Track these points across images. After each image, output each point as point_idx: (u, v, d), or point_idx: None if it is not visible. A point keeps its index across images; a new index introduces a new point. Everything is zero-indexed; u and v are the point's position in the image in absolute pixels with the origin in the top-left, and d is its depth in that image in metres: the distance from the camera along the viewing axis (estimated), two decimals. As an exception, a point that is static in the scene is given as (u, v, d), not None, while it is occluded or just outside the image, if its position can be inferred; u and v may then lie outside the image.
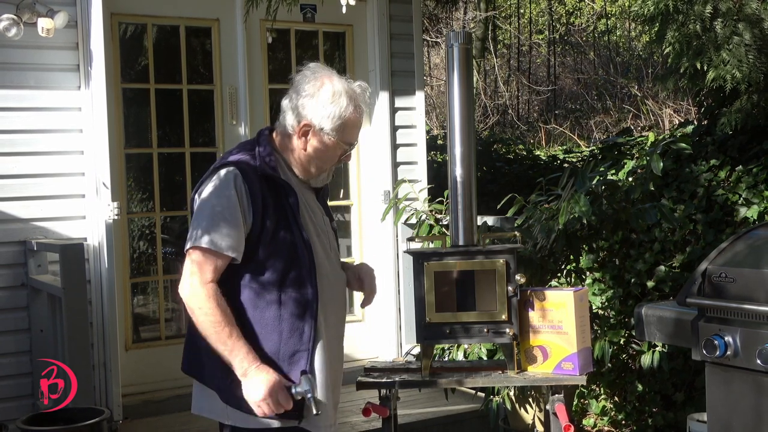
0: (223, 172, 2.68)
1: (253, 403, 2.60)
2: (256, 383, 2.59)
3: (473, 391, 5.10)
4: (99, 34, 4.86)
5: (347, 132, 2.75)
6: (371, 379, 3.22)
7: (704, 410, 3.11)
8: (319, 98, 2.72)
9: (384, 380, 3.19)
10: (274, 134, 2.83)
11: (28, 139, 4.85)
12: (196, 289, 2.59)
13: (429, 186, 5.86)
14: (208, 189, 2.68)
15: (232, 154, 2.77)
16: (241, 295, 2.67)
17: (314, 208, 2.84)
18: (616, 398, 5.19)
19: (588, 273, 5.19)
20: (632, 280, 5.02)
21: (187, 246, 2.64)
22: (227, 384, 2.67)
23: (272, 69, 5.75)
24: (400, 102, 5.94)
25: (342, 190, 5.99)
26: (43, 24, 4.61)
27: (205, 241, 2.59)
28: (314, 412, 2.63)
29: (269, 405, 2.59)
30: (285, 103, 2.80)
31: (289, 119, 2.76)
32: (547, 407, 3.16)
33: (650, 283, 4.94)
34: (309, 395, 2.63)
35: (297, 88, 2.77)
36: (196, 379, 2.82)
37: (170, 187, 5.56)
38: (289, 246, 2.68)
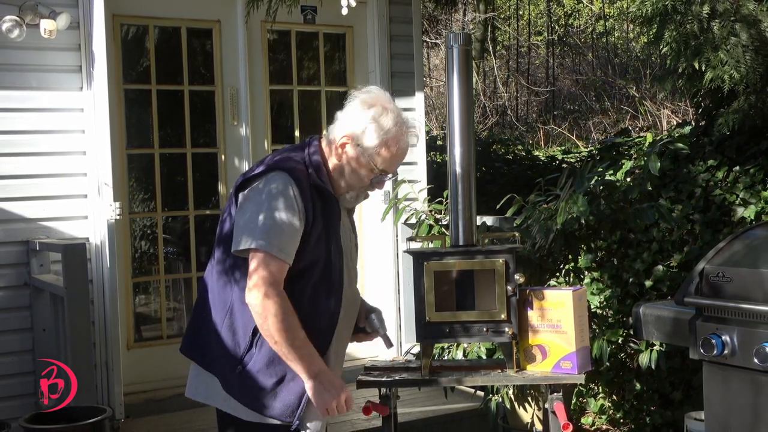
0: (278, 176, 2.67)
1: (322, 405, 2.66)
2: (327, 387, 2.64)
3: (472, 390, 5.12)
4: (101, 35, 4.88)
5: (383, 156, 2.75)
6: (371, 378, 3.23)
7: (702, 409, 3.14)
8: (365, 115, 2.72)
9: (384, 379, 3.21)
10: (322, 142, 2.82)
11: (31, 140, 4.88)
12: (270, 296, 2.59)
13: (429, 186, 5.88)
14: (262, 191, 2.67)
15: (283, 159, 2.76)
16: None
17: (346, 225, 2.86)
18: (614, 397, 5.21)
19: (586, 272, 5.21)
20: (630, 279, 5.05)
21: (243, 246, 2.62)
22: (234, 375, 2.71)
23: (273, 70, 5.77)
24: (400, 103, 5.86)
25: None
26: (46, 25, 4.62)
27: (272, 247, 2.60)
28: (387, 347, 2.96)
29: (337, 408, 2.66)
30: (338, 113, 2.80)
31: (335, 129, 2.78)
32: (546, 406, 3.18)
33: (648, 283, 4.97)
34: (381, 331, 2.94)
35: (351, 102, 2.78)
36: (196, 361, 2.84)
37: (172, 188, 5.58)
38: (325, 257, 2.71)
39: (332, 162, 2.77)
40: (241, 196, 2.72)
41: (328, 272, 2.73)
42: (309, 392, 2.66)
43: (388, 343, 2.98)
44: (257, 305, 2.61)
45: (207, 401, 2.82)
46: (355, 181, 2.79)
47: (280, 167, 2.69)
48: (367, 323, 2.98)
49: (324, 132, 2.85)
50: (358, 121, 2.73)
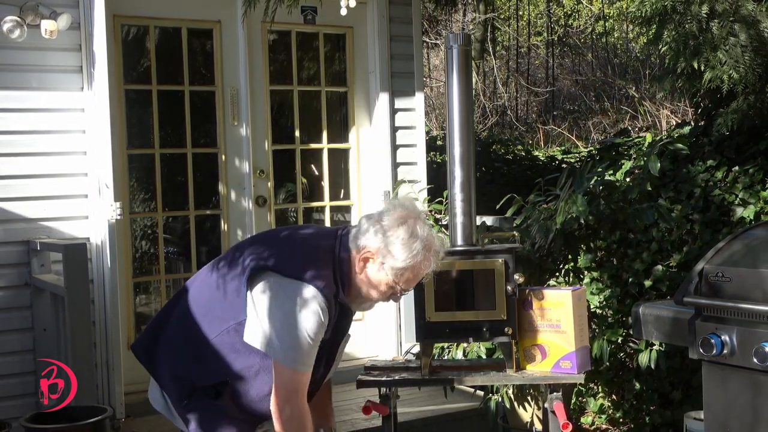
0: (310, 290, 2.62)
1: None
2: None
3: (472, 390, 5.13)
4: (102, 35, 4.88)
5: (406, 277, 2.71)
6: (371, 378, 3.25)
7: (701, 408, 3.15)
8: (394, 235, 2.67)
9: (384, 379, 3.23)
10: (351, 243, 2.74)
11: (32, 140, 4.88)
12: (298, 413, 2.62)
13: (429, 186, 5.89)
14: (293, 301, 2.62)
15: (317, 270, 2.67)
16: (251, 378, 2.70)
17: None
18: (614, 396, 5.22)
19: (586, 272, 5.22)
20: (630, 279, 5.05)
21: (271, 354, 2.61)
22: (180, 407, 2.72)
23: (273, 70, 5.78)
24: (399, 103, 5.97)
25: (342, 190, 6.02)
26: (46, 26, 4.63)
27: (298, 364, 2.61)
28: None
29: None
30: (364, 222, 2.74)
31: (360, 239, 2.71)
32: (546, 405, 3.20)
33: (648, 283, 4.98)
34: None
35: (381, 213, 2.73)
36: (147, 370, 2.84)
37: (172, 188, 5.59)
38: (316, 365, 2.72)
39: (354, 271, 2.72)
40: (268, 290, 2.65)
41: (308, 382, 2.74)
42: None
43: None
44: (283, 419, 2.62)
45: (163, 412, 2.84)
46: (369, 296, 2.76)
47: (314, 282, 2.62)
48: None
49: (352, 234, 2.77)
50: (386, 240, 2.67)
